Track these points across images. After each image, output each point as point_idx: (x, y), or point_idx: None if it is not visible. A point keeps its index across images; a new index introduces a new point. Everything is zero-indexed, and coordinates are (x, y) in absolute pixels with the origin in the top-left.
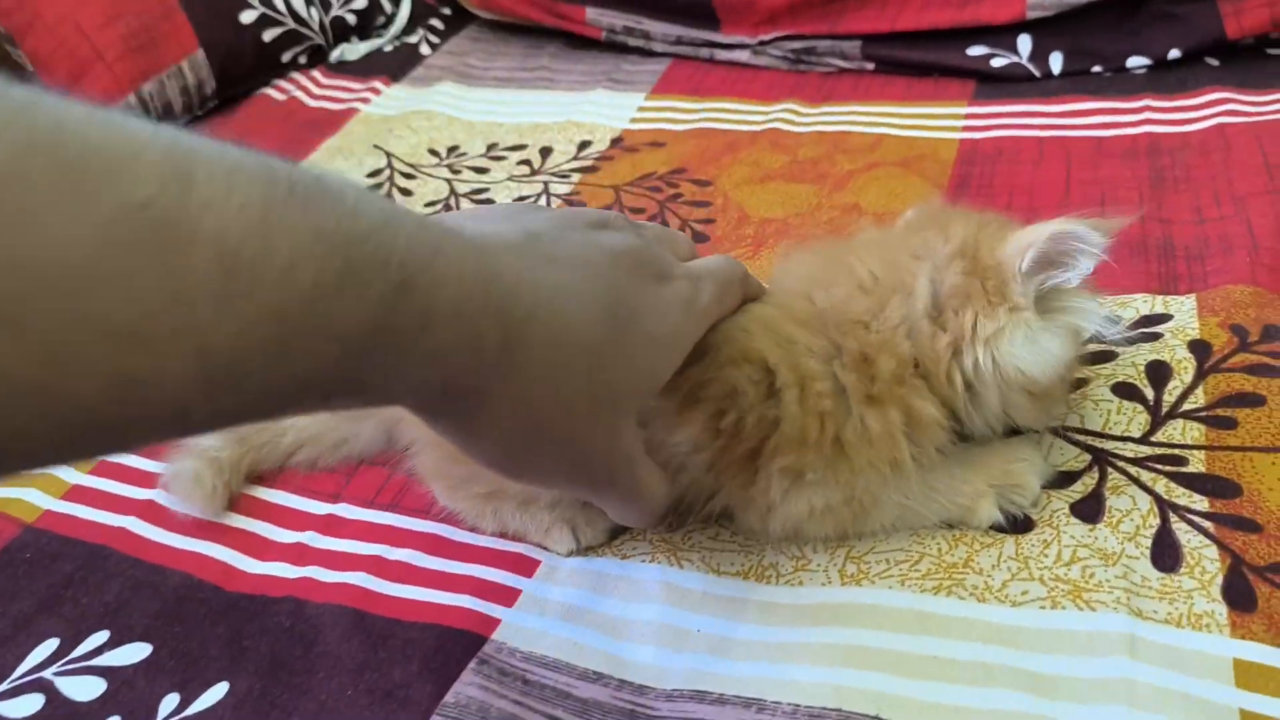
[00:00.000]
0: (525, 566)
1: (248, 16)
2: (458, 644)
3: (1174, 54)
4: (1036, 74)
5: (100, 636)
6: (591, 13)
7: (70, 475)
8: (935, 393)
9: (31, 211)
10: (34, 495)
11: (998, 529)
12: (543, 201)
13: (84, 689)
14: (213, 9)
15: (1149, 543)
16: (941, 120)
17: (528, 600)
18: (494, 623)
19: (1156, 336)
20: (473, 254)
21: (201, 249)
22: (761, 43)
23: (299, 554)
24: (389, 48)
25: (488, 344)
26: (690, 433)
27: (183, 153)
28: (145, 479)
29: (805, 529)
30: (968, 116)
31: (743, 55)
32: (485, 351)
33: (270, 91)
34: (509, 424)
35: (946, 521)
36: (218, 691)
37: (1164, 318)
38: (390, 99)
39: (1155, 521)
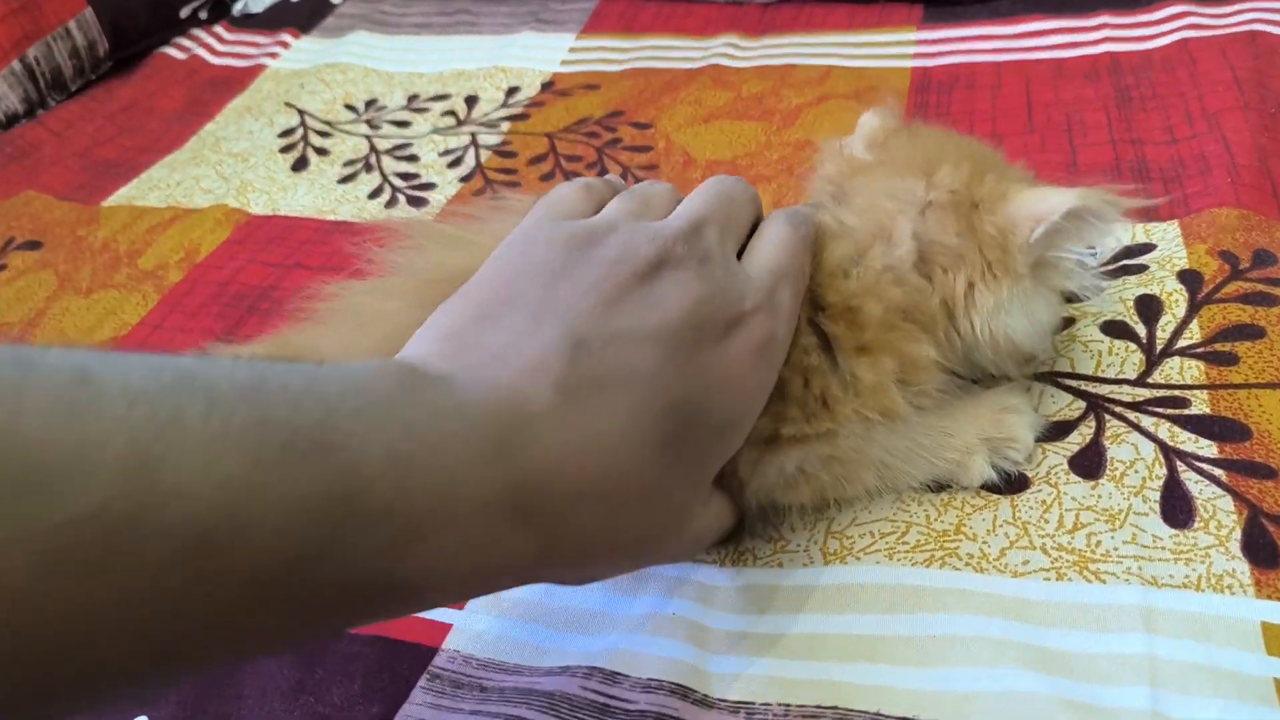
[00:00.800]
0: None
1: None
2: (405, 658)
3: None
4: None
5: None
6: None
7: None
8: (928, 334)
9: None
10: None
11: (990, 488)
12: (469, 156)
13: None
14: None
15: (1157, 496)
16: (891, 49)
17: (481, 600)
18: (444, 629)
19: (1143, 269)
20: (503, 467)
21: (163, 544)
22: None
23: None
24: None
25: (523, 555)
26: None
27: (154, 432)
28: None
29: (780, 497)
30: (918, 43)
31: None
32: (522, 554)
33: (170, 50)
34: (556, 575)
35: (935, 480)
36: None
37: (1147, 247)
38: (300, 52)
39: (1162, 471)
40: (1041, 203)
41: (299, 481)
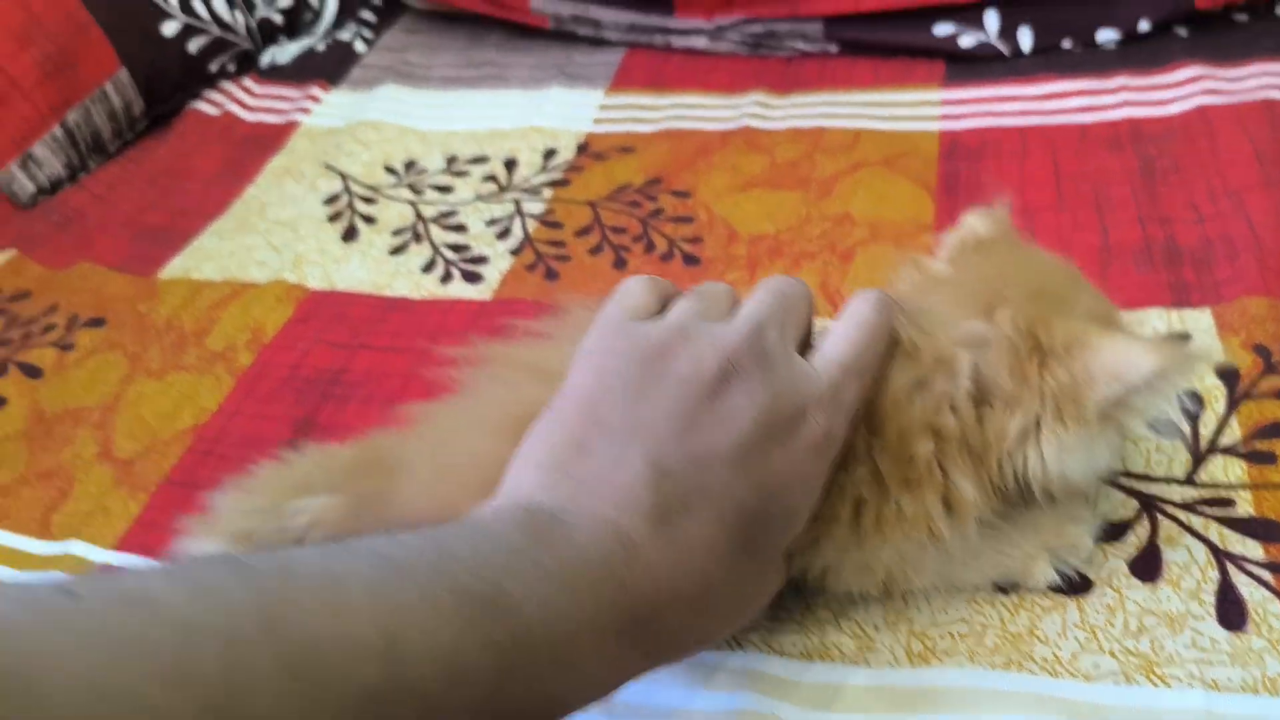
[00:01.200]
0: None
1: (170, 28)
2: None
3: (1144, 26)
4: (1006, 52)
5: None
6: (537, 0)
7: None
8: (978, 469)
9: (271, 709)
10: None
11: (1054, 589)
12: (516, 225)
13: None
14: (131, 23)
15: (1212, 600)
16: (917, 109)
17: None
18: None
19: None
20: (622, 600)
21: (408, 708)
22: (719, 28)
23: None
24: (321, 46)
25: (637, 666)
26: None
27: (390, 620)
28: None
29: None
30: (943, 103)
31: (700, 42)
32: (636, 665)
33: (202, 106)
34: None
35: (999, 580)
36: None
37: (1183, 338)
38: (332, 107)
39: (1215, 575)
40: (1123, 361)
41: (490, 641)
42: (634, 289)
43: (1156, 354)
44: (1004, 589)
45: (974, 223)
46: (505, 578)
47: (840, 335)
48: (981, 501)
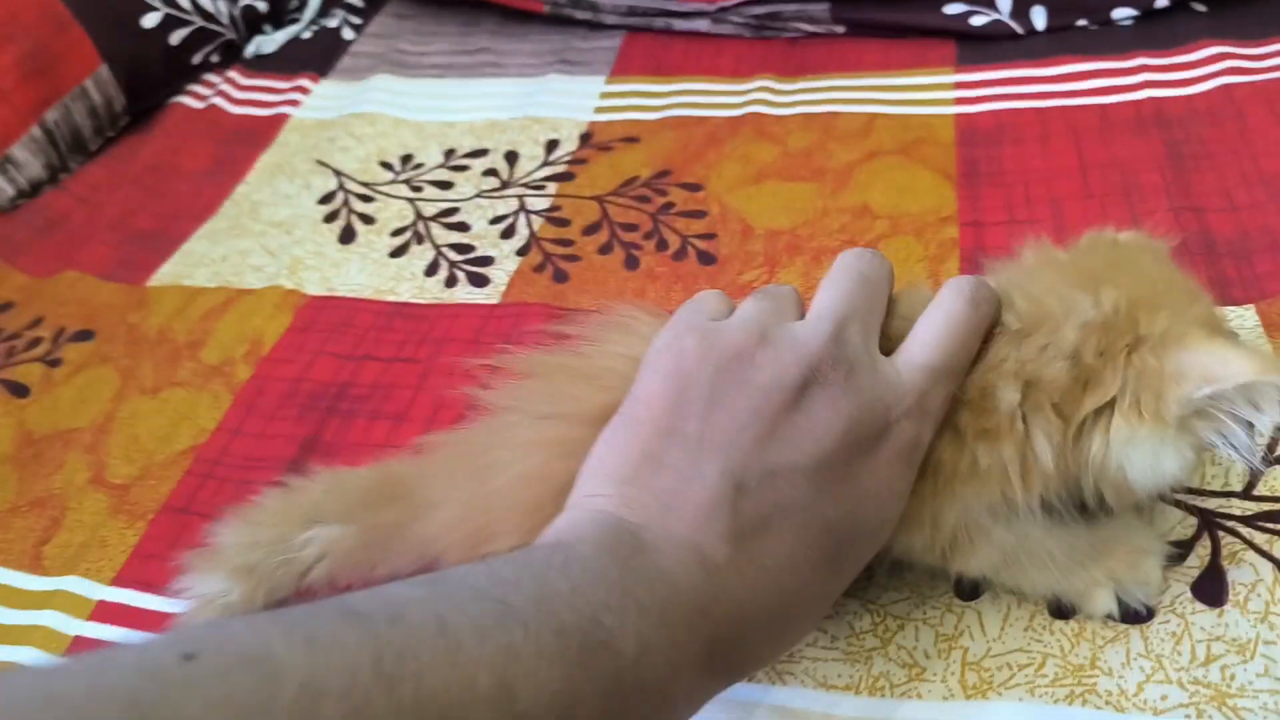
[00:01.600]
0: None
1: (151, 20)
2: None
3: (1161, 2)
4: (1019, 30)
5: None
6: None
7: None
8: (1060, 436)
9: None
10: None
11: (1114, 617)
12: (521, 223)
13: None
14: (111, 17)
15: None
16: (930, 92)
17: None
18: None
19: None
20: (705, 626)
21: None
22: (721, 10)
23: None
24: (307, 34)
25: (718, 686)
26: None
27: (501, 665)
28: (158, 621)
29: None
30: (957, 86)
31: (702, 24)
32: (718, 686)
33: (186, 100)
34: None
35: (1055, 597)
36: None
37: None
38: (322, 99)
39: None
40: (1218, 364)
41: (593, 678)
42: (708, 295)
43: (1256, 364)
44: (1062, 615)
45: (1118, 232)
46: (604, 613)
47: (929, 334)
48: (1054, 475)
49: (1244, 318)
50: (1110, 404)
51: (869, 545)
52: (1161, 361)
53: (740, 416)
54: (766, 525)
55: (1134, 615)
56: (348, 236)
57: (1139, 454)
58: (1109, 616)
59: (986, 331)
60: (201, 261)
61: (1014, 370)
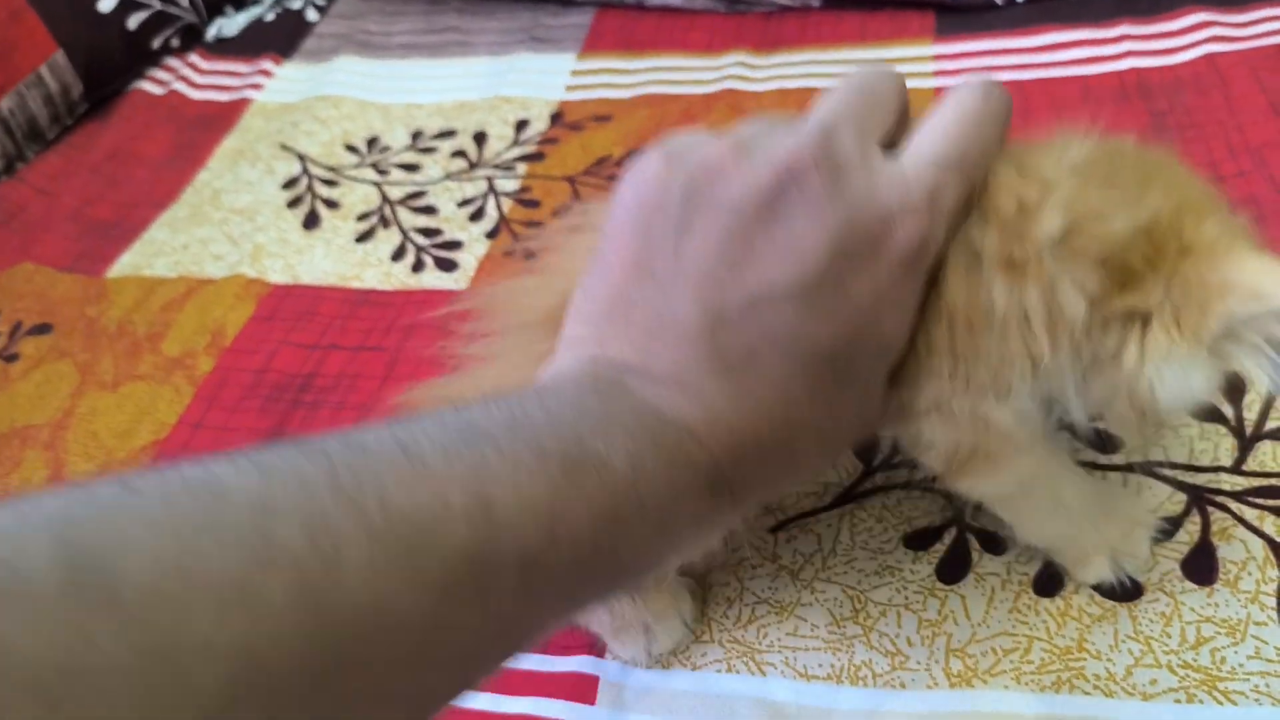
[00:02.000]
0: (584, 692)
1: (107, 3)
2: None
3: None
4: (998, 0)
5: None
6: None
7: None
8: (1096, 280)
9: (368, 579)
10: None
11: (1101, 592)
12: (490, 205)
13: None
14: (66, 1)
15: (1274, 604)
16: (910, 65)
17: None
18: None
19: None
20: (701, 456)
21: (505, 573)
22: None
23: None
24: (270, 16)
25: (726, 515)
26: None
27: (475, 483)
28: None
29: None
30: (936, 58)
31: None
32: (725, 515)
33: (146, 85)
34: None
35: (1049, 553)
36: None
37: None
38: (285, 82)
39: (1275, 573)
40: (1270, 280)
41: (583, 495)
42: (688, 134)
43: None
44: (1048, 590)
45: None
46: (589, 438)
47: (935, 126)
48: (1083, 324)
49: None
50: (1145, 315)
51: (877, 360)
52: (1207, 275)
53: (712, 241)
54: (754, 357)
55: (1119, 590)
56: (312, 222)
57: (1170, 371)
58: (1096, 587)
59: (1003, 134)
60: (161, 251)
61: (1066, 200)
